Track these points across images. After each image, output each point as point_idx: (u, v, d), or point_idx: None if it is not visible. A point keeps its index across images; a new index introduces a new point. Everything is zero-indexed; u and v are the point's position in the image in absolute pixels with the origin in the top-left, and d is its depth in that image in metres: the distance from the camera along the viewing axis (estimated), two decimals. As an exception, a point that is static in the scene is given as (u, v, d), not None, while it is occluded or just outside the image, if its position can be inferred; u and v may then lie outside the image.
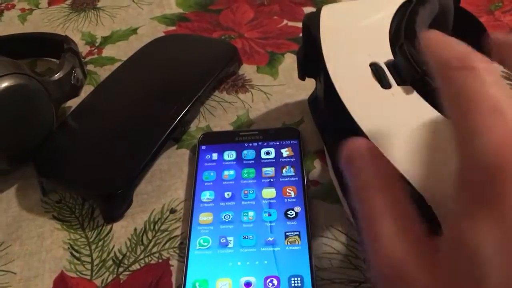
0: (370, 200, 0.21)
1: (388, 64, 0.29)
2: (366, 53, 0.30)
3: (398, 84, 0.27)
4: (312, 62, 0.33)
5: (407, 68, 0.27)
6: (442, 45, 0.21)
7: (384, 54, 0.29)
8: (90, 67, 0.48)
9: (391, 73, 0.28)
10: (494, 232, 0.15)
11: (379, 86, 0.28)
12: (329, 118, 0.35)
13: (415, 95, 0.27)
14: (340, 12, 0.33)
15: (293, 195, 0.34)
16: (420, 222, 0.20)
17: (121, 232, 0.34)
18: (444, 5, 0.32)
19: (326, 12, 0.33)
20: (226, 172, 0.36)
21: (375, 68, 0.29)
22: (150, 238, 0.34)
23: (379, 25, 0.31)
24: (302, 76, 0.38)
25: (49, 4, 0.58)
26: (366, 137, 0.25)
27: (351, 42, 0.31)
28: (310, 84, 0.42)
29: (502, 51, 0.24)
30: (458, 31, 0.34)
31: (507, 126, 0.16)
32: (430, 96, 0.26)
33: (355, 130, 0.26)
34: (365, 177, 0.22)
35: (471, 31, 0.34)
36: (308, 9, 0.53)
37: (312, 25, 0.33)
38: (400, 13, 0.31)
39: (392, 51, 0.29)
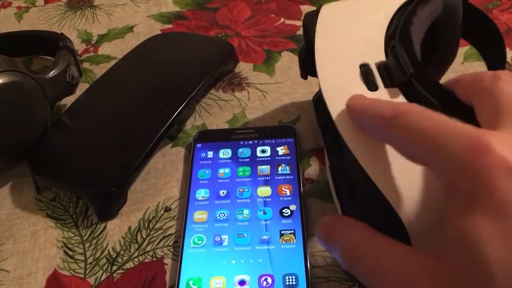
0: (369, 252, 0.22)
1: (379, 65, 0.28)
2: (359, 54, 0.29)
3: (386, 87, 0.27)
4: (313, 61, 0.32)
5: (396, 70, 0.27)
6: (368, 107, 0.24)
7: (377, 55, 0.29)
8: (86, 65, 0.48)
9: (381, 75, 0.28)
10: (490, 222, 0.18)
11: (365, 87, 0.27)
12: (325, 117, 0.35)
13: (401, 99, 0.26)
14: (339, 11, 0.33)
15: (288, 193, 0.34)
16: None
17: (115, 231, 0.34)
18: (451, 3, 0.31)
19: (326, 11, 0.33)
20: (221, 170, 0.36)
21: (364, 69, 0.28)
22: (144, 236, 0.34)
23: (376, 26, 0.31)
24: (304, 75, 0.37)
25: (46, 2, 0.57)
26: (343, 139, 0.25)
27: (345, 42, 0.30)
28: (306, 83, 0.42)
29: (466, 93, 0.25)
30: (467, 28, 0.34)
31: (465, 134, 0.19)
32: (417, 101, 0.25)
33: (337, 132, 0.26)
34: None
35: (480, 28, 0.34)
36: (306, 7, 0.53)
37: (308, 24, 0.33)
38: (399, 13, 0.31)
39: (385, 52, 0.29)
